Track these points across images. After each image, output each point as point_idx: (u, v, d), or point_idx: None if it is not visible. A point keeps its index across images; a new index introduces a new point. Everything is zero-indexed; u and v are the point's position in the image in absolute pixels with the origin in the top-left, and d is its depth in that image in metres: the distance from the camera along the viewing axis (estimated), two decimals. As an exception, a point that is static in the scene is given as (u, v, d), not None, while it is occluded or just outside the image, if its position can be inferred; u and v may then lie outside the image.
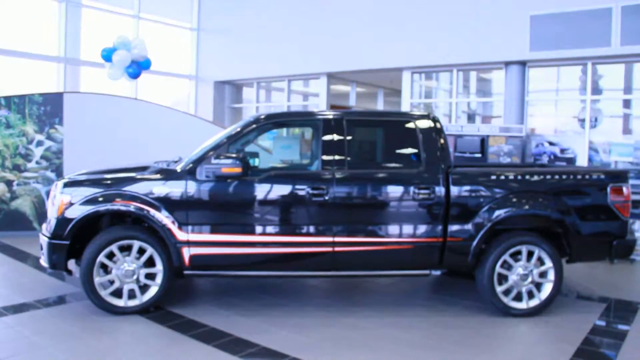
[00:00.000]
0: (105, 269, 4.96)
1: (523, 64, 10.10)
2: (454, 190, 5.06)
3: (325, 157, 5.12)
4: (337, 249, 5.00)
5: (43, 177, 8.53)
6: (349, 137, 5.21)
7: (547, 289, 5.13)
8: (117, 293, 4.94)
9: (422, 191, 5.03)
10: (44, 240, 5.03)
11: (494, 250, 5.07)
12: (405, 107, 11.72)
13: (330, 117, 5.28)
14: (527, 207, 5.08)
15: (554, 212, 5.08)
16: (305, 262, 5.09)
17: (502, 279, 5.13)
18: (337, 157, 5.11)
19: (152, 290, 4.99)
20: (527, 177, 5.16)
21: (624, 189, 5.23)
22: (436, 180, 5.06)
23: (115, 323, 4.74)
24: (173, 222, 4.89)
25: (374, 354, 4.25)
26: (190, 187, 4.94)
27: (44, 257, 5.06)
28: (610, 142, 9.03)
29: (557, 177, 5.18)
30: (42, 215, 8.26)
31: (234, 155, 4.89)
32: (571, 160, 9.25)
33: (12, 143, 8.35)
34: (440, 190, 5.04)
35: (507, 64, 10.22)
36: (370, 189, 5.08)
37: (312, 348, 4.31)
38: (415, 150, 5.22)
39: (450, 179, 5.08)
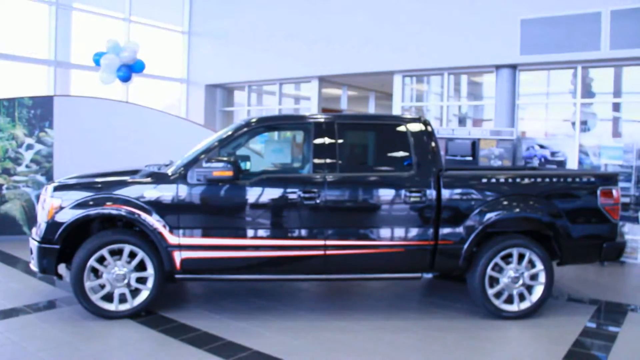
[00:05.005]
0: (96, 273, 4.93)
1: (513, 67, 10.15)
2: (445, 193, 5.08)
3: (316, 161, 5.12)
4: (328, 252, 5.00)
5: (33, 180, 8.48)
6: (340, 141, 5.21)
7: (538, 291, 5.16)
8: (108, 297, 4.91)
9: (414, 194, 5.04)
10: (33, 244, 5.00)
11: (485, 253, 5.09)
12: (396, 111, 11.75)
13: (322, 120, 5.28)
14: (518, 210, 5.11)
15: (545, 215, 5.11)
16: (297, 266, 5.08)
17: (494, 281, 5.14)
18: (328, 161, 5.11)
19: (143, 295, 4.97)
20: (518, 180, 5.19)
21: (614, 192, 5.27)
22: (427, 184, 5.08)
23: (106, 327, 4.72)
24: (164, 226, 4.87)
25: (366, 357, 4.25)
26: (181, 191, 4.92)
27: (34, 261, 5.03)
28: (600, 145, 9.09)
29: (547, 180, 5.21)
30: (32, 219, 8.21)
31: (225, 158, 4.88)
32: (561, 163, 9.30)
33: (1, 147, 8.29)
34: (431, 193, 5.06)
35: (498, 67, 10.26)
36: (361, 193, 5.09)
37: (304, 351, 4.31)
38: (406, 154, 5.24)
39: (442, 182, 5.09)
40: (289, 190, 5.00)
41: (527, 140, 9.68)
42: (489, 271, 5.09)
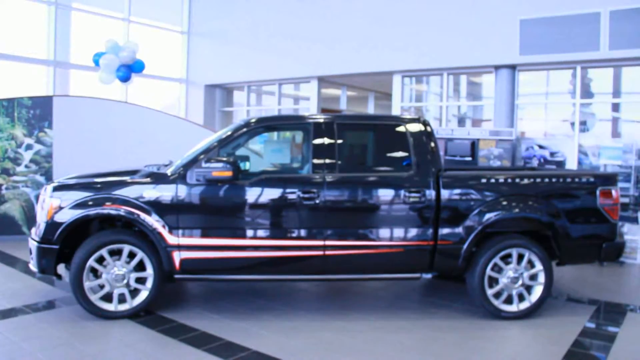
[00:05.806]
0: (95, 273, 4.93)
1: (513, 67, 10.15)
2: (445, 193, 5.08)
3: (316, 161, 5.12)
4: (328, 252, 5.00)
5: (32, 180, 8.48)
6: (339, 141, 5.21)
7: (538, 291, 5.16)
8: (107, 297, 4.91)
9: (413, 194, 5.04)
10: (33, 244, 4.99)
11: (484, 253, 5.09)
12: (395, 111, 11.75)
13: (321, 120, 5.28)
14: (517, 210, 5.11)
15: (544, 215, 5.11)
16: (296, 266, 5.08)
17: (493, 281, 5.14)
18: (327, 161, 5.11)
19: (143, 295, 4.97)
20: (518, 180, 5.19)
21: (613, 192, 5.27)
22: (427, 184, 5.08)
23: (105, 328, 4.71)
24: (163, 226, 4.87)
25: (365, 357, 4.24)
26: (180, 191, 4.92)
27: (33, 261, 5.02)
28: (600, 146, 9.08)
29: (547, 180, 5.21)
30: (31, 220, 8.21)
31: (224, 159, 4.88)
32: (561, 164, 9.30)
33: (0, 147, 8.29)
34: (430, 193, 5.06)
35: (497, 67, 10.26)
36: (361, 193, 5.09)
37: (303, 352, 4.31)
38: (405, 154, 5.24)
39: (441, 182, 5.09)
40: (288, 190, 5.00)
41: (527, 140, 9.68)
42: (488, 271, 5.09)
